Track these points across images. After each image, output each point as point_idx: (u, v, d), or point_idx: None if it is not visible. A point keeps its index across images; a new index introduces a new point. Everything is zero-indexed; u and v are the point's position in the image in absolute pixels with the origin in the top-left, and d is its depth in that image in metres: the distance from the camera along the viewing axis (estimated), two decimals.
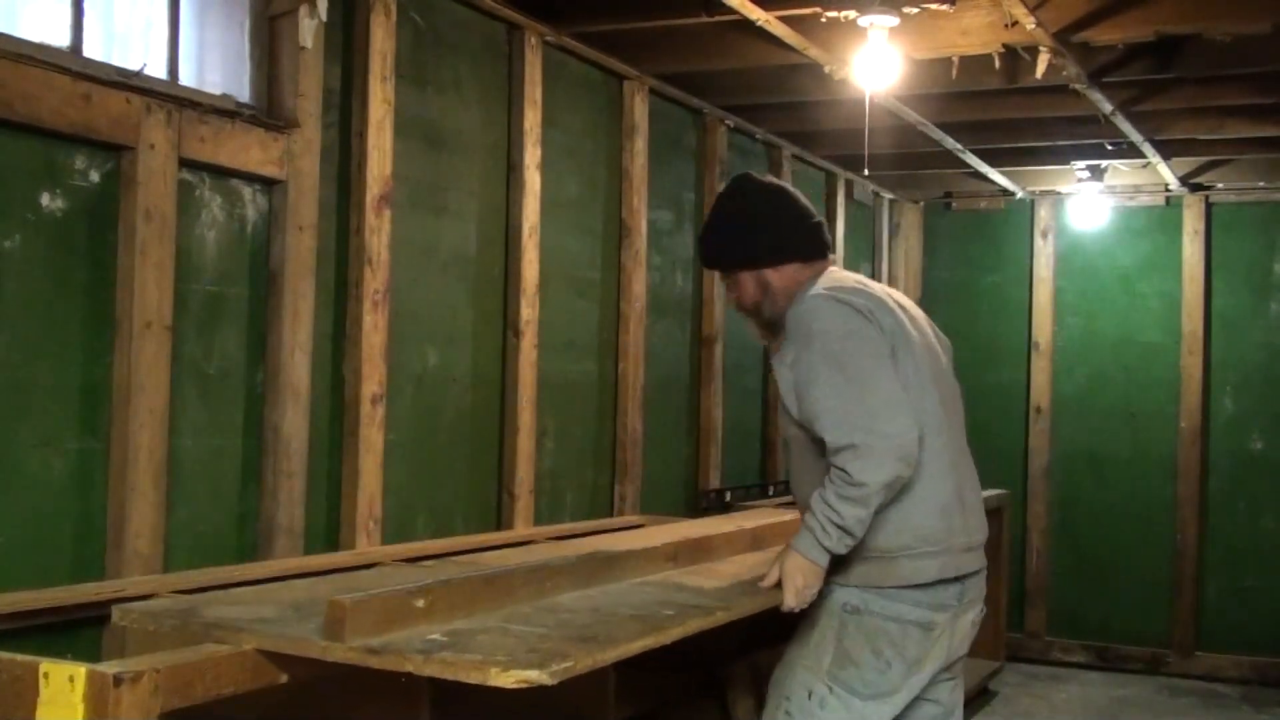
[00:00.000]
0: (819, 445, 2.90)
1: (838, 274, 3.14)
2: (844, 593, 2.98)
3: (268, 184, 3.67)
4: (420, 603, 2.45)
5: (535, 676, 2.13)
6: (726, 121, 6.21)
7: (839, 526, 2.83)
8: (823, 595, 2.99)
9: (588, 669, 2.28)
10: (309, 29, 3.71)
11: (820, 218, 3.23)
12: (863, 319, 2.94)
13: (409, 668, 2.16)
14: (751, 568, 3.34)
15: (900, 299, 3.17)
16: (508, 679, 2.12)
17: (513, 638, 2.41)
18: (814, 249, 3.15)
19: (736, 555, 3.72)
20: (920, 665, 2.96)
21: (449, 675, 2.13)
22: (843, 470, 2.81)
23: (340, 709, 2.74)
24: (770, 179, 3.29)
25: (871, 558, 2.94)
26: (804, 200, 3.22)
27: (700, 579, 3.25)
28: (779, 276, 3.12)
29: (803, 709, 2.97)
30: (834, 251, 3.19)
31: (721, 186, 6.08)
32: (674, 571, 3.33)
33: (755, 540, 3.93)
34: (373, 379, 3.96)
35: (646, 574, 3.23)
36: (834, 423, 2.84)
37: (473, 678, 2.13)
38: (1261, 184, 7.60)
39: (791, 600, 2.92)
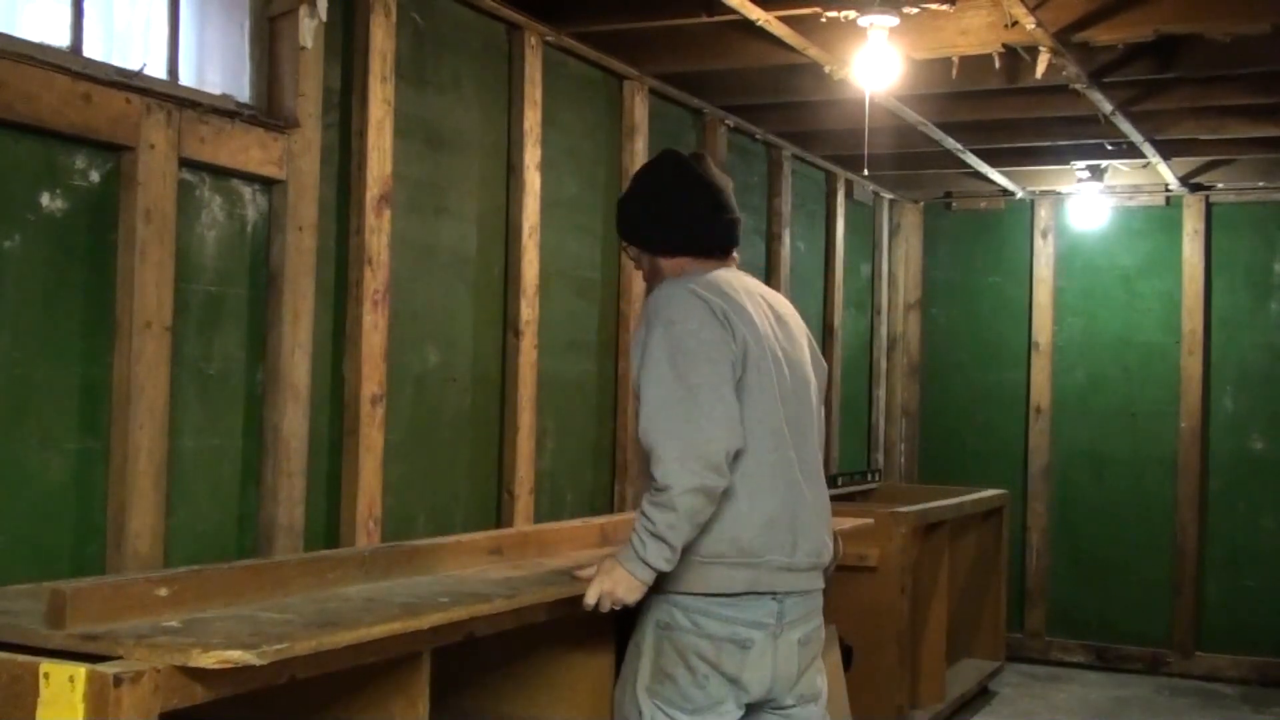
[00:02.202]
0: None
1: (721, 273, 3.06)
2: (659, 609, 2.96)
3: (268, 184, 3.67)
4: (162, 591, 2.49)
5: (238, 657, 2.16)
6: (726, 121, 6.21)
7: (653, 535, 2.80)
8: (642, 612, 2.98)
9: (307, 652, 2.32)
10: (309, 29, 3.71)
11: (732, 215, 3.14)
12: (714, 321, 2.89)
13: (119, 653, 2.18)
14: (582, 563, 3.41)
15: (779, 309, 3.12)
16: (209, 659, 2.15)
17: (250, 624, 2.44)
18: (709, 248, 3.11)
19: (577, 550, 3.74)
20: (740, 680, 2.92)
21: (156, 661, 2.15)
22: (653, 475, 2.81)
23: (340, 708, 2.74)
24: (693, 166, 3.15)
25: (692, 561, 2.90)
26: (719, 193, 3.12)
27: (516, 571, 3.32)
28: (670, 264, 3.10)
29: None
30: (736, 252, 3.18)
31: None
32: (493, 565, 3.39)
33: (604, 536, 3.95)
34: (373, 379, 3.96)
35: (461, 567, 3.29)
36: (651, 422, 2.82)
37: (175, 660, 2.16)
38: (1261, 184, 7.60)
39: (591, 596, 2.90)
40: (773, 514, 2.93)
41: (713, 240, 3.12)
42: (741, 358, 2.90)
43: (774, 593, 2.94)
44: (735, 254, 3.18)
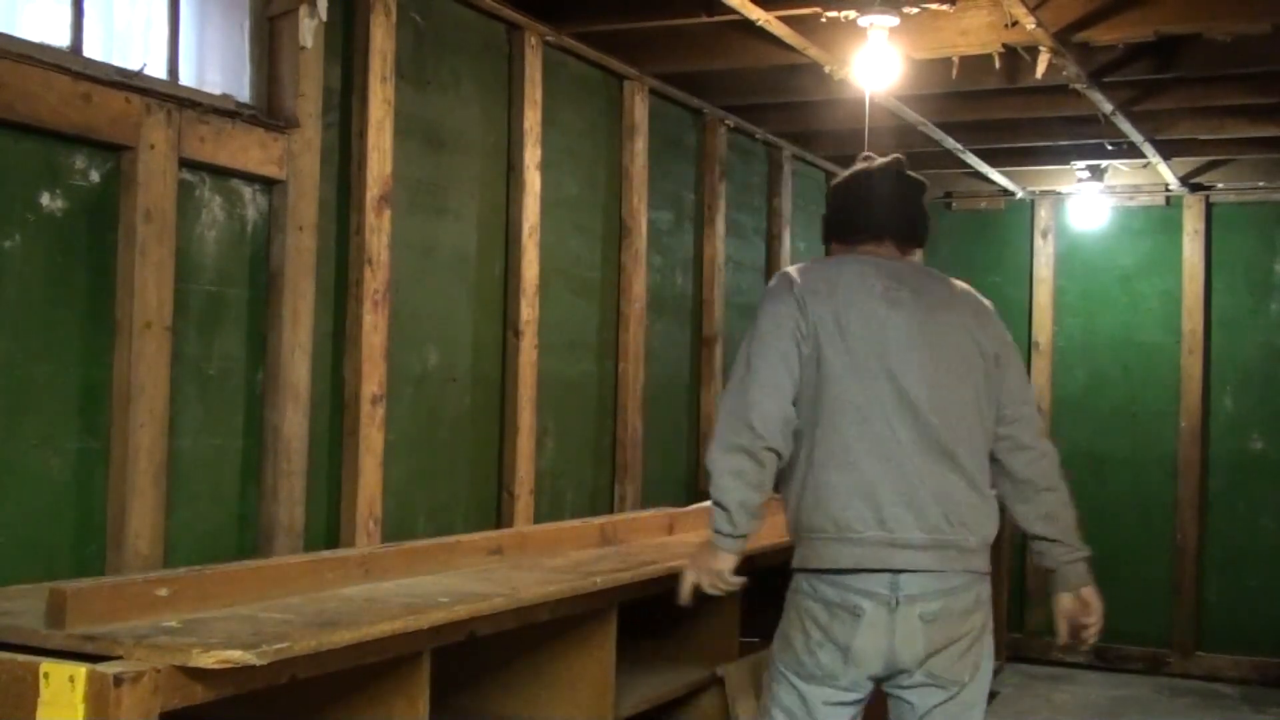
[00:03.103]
0: None
1: (844, 257, 3.17)
2: (793, 578, 3.05)
3: (268, 184, 3.67)
4: (163, 591, 2.49)
5: (238, 657, 2.17)
6: (726, 121, 6.21)
7: (714, 502, 2.99)
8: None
9: (307, 652, 2.32)
10: (309, 29, 3.71)
11: (881, 206, 3.21)
12: (790, 301, 3.00)
13: (119, 653, 2.19)
14: (582, 562, 3.40)
15: (928, 295, 3.10)
16: (209, 659, 2.15)
17: (250, 624, 2.44)
18: (850, 235, 3.22)
19: (577, 550, 3.74)
20: (852, 651, 2.92)
21: (156, 661, 2.15)
22: (709, 459, 3.01)
23: (340, 708, 2.74)
24: (876, 163, 3.30)
25: (800, 537, 3.01)
26: (870, 187, 3.24)
27: (517, 571, 3.33)
28: (831, 251, 3.28)
29: (768, 693, 3.07)
30: (883, 236, 3.23)
31: (722, 186, 6.15)
32: (493, 565, 3.41)
33: (604, 536, 3.95)
34: (373, 379, 3.96)
35: (461, 567, 3.31)
36: (723, 395, 3.07)
37: (175, 660, 2.16)
38: (1261, 184, 7.59)
39: (683, 592, 3.11)
40: (865, 487, 2.93)
41: (853, 228, 3.22)
42: (813, 335, 2.97)
43: (887, 569, 2.92)
44: (901, 246, 3.22)
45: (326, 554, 3.29)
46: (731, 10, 4.40)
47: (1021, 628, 7.95)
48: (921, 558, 2.94)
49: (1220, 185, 7.68)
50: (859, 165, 3.32)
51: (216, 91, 3.58)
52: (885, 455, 2.96)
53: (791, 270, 3.10)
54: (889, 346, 3.00)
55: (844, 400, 2.95)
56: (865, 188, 3.25)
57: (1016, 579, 7.89)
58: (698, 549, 3.12)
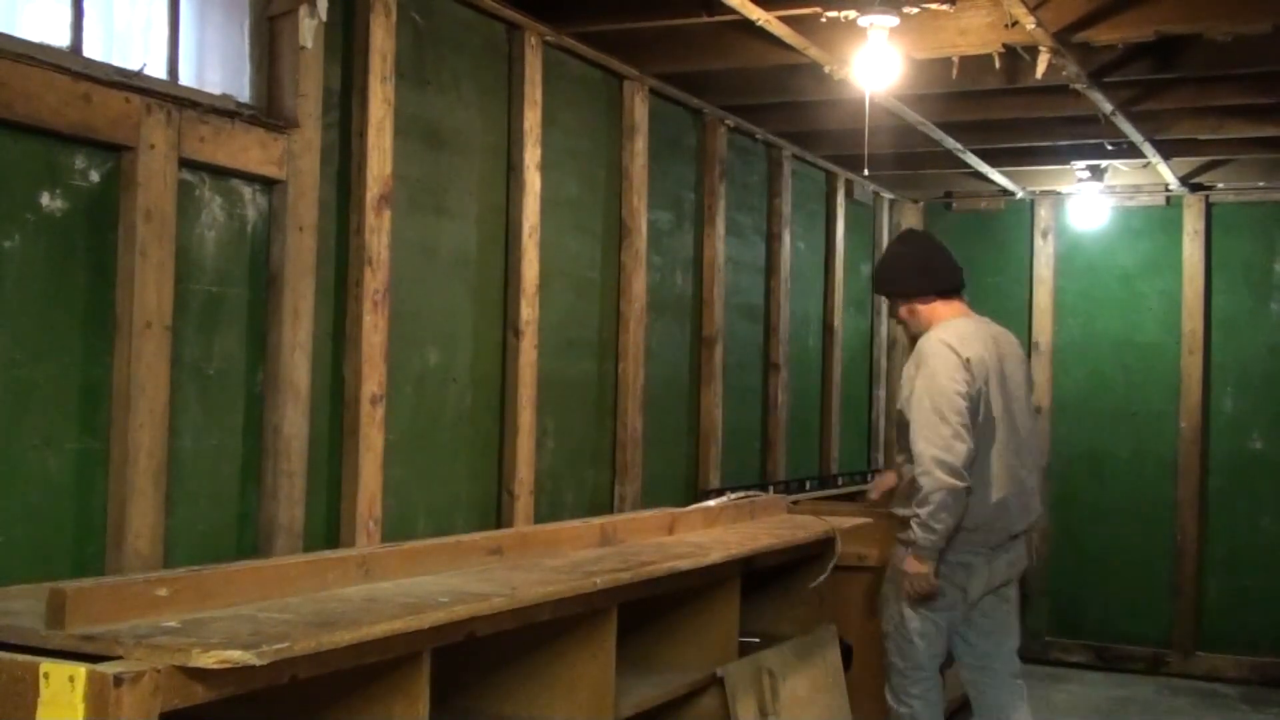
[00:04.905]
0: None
1: (963, 323, 4.34)
2: None
3: (268, 184, 3.67)
4: (163, 591, 2.49)
5: (238, 657, 2.17)
6: (726, 121, 6.21)
7: (918, 523, 4.12)
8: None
9: (307, 652, 2.33)
10: (309, 29, 3.71)
11: (959, 265, 4.52)
12: (961, 370, 4.17)
13: (119, 653, 2.19)
14: (582, 562, 3.39)
15: (1002, 347, 4.37)
16: (209, 659, 2.16)
17: (250, 624, 2.44)
18: (950, 289, 4.46)
19: (578, 550, 3.74)
20: (967, 590, 4.30)
21: (156, 661, 2.15)
22: (915, 480, 4.14)
23: (340, 708, 2.74)
24: (929, 235, 4.97)
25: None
26: (949, 250, 4.56)
27: (517, 571, 3.33)
28: (925, 306, 4.42)
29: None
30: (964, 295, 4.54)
31: (722, 186, 6.15)
32: (493, 565, 3.41)
33: (604, 536, 3.95)
34: (373, 379, 3.96)
35: (461, 567, 3.31)
36: (918, 436, 4.15)
37: (175, 660, 2.16)
38: (1261, 184, 7.60)
39: (906, 590, 4.26)
40: (998, 497, 4.25)
41: (952, 283, 4.47)
42: (977, 395, 4.18)
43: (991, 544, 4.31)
44: (964, 295, 4.52)
45: (326, 554, 3.29)
46: (731, 10, 4.40)
47: (1022, 628, 7.95)
48: (1007, 536, 4.38)
49: (1220, 185, 7.68)
50: (918, 232, 4.82)
51: (216, 91, 3.58)
52: (1013, 474, 4.31)
53: (945, 337, 4.24)
54: (1002, 396, 4.28)
55: (986, 439, 4.22)
56: (944, 248, 4.58)
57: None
58: (911, 561, 4.21)
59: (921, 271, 4.43)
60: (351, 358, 3.94)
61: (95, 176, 3.20)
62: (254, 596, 2.70)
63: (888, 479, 4.66)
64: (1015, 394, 4.34)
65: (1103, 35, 4.71)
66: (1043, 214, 8.15)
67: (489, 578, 3.22)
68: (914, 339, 4.45)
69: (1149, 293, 7.92)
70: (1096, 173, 7.41)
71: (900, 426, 4.32)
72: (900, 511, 4.28)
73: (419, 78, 4.27)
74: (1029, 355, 8.08)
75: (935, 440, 4.07)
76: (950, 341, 4.20)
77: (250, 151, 3.56)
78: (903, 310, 4.48)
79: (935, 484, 4.05)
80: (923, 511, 4.08)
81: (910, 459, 4.21)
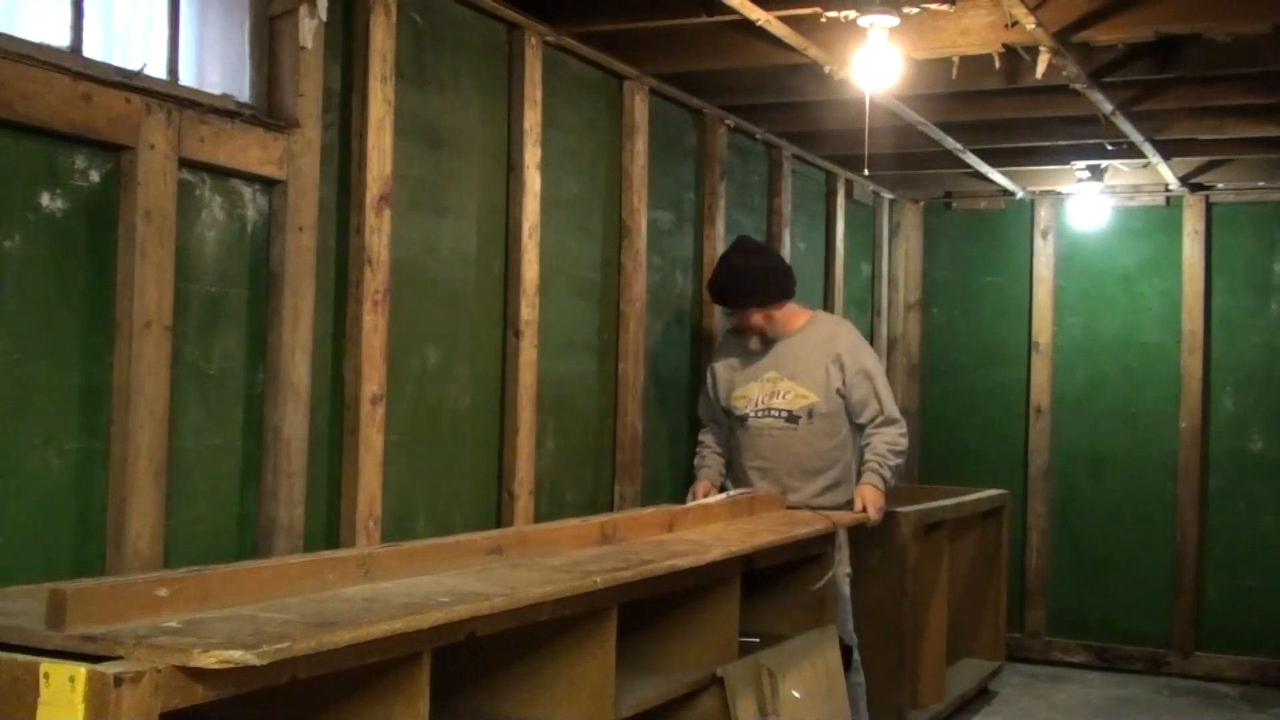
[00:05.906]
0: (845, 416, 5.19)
1: (824, 314, 5.62)
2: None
3: (268, 184, 3.67)
4: (163, 592, 2.49)
5: (239, 657, 2.18)
6: (726, 121, 6.21)
7: (894, 466, 5.11)
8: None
9: (307, 652, 2.33)
10: (309, 29, 3.71)
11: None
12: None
13: (119, 653, 2.19)
14: (582, 562, 3.39)
15: None
16: (209, 659, 2.16)
17: (250, 624, 2.44)
18: (794, 290, 5.36)
19: (578, 549, 3.74)
20: None
21: (157, 661, 2.15)
22: (899, 432, 5.16)
23: (340, 708, 2.74)
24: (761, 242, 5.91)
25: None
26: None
27: (517, 571, 3.33)
28: (782, 309, 5.22)
29: None
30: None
31: (722, 186, 6.15)
32: (493, 565, 3.41)
33: (604, 535, 3.95)
34: (373, 379, 3.96)
35: (461, 567, 3.32)
36: (888, 400, 5.16)
37: (176, 660, 2.17)
38: (1261, 184, 7.60)
39: (875, 515, 5.05)
40: None
41: (794, 284, 5.32)
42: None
43: None
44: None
45: (326, 554, 3.29)
46: (731, 10, 4.40)
47: (1021, 628, 7.96)
48: None
49: (1220, 185, 7.68)
50: (751, 240, 5.59)
51: (216, 91, 3.58)
52: None
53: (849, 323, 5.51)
54: None
55: None
56: (775, 253, 5.81)
57: (1016, 579, 7.89)
58: (875, 493, 5.06)
59: (775, 279, 5.18)
60: (351, 358, 3.94)
61: (95, 176, 3.20)
62: (254, 597, 2.70)
63: (703, 486, 5.27)
64: None
65: (1103, 35, 4.71)
66: (1043, 214, 8.15)
67: (489, 577, 3.22)
68: (768, 342, 5.17)
69: (1149, 293, 7.92)
70: (1096, 173, 7.40)
71: (841, 408, 5.15)
72: (819, 502, 5.10)
73: (419, 77, 4.27)
74: (1029, 355, 8.12)
75: (895, 401, 5.22)
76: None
77: (250, 151, 3.56)
78: (758, 318, 5.12)
79: (905, 435, 5.17)
80: (902, 460, 5.16)
81: (854, 432, 5.20)
